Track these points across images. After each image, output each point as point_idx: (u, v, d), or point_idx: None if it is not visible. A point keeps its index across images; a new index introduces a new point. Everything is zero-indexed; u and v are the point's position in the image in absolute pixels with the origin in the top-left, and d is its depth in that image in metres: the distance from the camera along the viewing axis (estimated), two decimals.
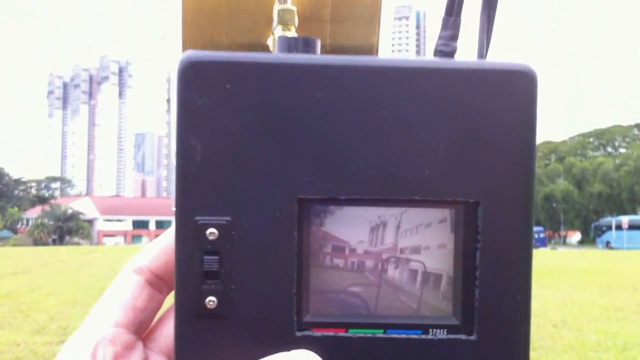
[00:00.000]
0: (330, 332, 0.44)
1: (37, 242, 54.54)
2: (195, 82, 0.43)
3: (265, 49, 0.64)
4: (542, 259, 22.65)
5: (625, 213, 51.46)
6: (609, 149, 69.86)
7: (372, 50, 0.66)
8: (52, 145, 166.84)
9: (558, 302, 9.87)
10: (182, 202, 0.43)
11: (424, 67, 0.44)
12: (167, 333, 0.50)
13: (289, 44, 0.48)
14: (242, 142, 0.43)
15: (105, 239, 71.49)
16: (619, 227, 43.39)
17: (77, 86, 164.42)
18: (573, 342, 6.50)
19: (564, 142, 72.28)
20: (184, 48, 0.66)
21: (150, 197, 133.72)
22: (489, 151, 0.44)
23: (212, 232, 0.42)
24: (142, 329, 0.50)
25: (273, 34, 0.60)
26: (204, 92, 0.43)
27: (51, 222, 59.77)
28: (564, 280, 13.37)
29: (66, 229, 59.50)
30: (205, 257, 0.42)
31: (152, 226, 76.45)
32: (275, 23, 0.58)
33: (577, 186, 59.58)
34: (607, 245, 44.12)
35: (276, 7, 0.58)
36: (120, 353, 0.47)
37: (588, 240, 56.63)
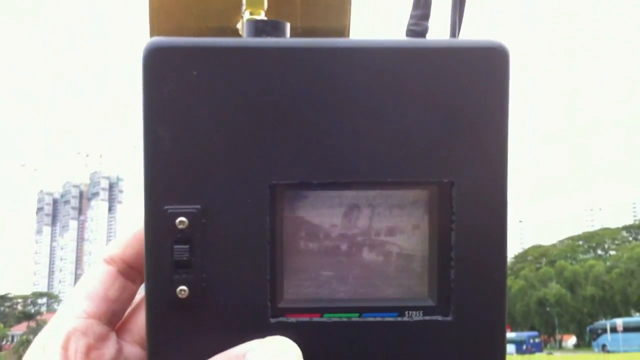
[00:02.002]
0: (305, 318, 0.43)
1: None
2: (161, 69, 0.42)
3: (235, 33, 0.63)
4: None
5: (619, 315, 50.76)
6: (599, 252, 69.92)
7: (343, 31, 0.66)
8: (40, 260, 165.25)
9: None
10: (151, 191, 0.42)
11: (394, 47, 0.43)
12: (141, 323, 0.48)
13: (257, 28, 0.47)
14: (211, 129, 0.42)
15: None
16: (614, 329, 42.81)
17: (67, 202, 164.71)
18: None
19: (554, 245, 72.33)
20: (152, 34, 0.65)
21: None
22: (462, 130, 0.43)
23: (181, 221, 0.41)
24: (115, 320, 0.48)
25: (242, 17, 0.58)
26: (170, 79, 0.42)
27: None
28: None
29: None
30: (176, 247, 0.41)
31: None
32: (244, 7, 0.57)
33: (569, 289, 59.11)
34: (604, 348, 43.44)
35: None
36: (93, 344, 0.45)
37: (584, 343, 55.61)
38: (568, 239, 72.65)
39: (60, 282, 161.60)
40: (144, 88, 0.42)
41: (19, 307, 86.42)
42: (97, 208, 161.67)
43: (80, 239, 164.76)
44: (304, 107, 0.42)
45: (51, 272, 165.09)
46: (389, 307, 0.44)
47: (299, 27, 0.63)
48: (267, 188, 0.42)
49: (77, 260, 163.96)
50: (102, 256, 0.48)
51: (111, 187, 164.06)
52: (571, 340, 62.43)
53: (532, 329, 56.84)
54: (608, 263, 62.03)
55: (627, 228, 71.88)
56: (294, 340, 0.42)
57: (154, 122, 0.42)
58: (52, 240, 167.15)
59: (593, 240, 70.22)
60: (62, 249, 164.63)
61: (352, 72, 0.43)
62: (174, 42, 0.42)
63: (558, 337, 61.75)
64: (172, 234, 0.41)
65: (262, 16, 0.57)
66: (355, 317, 0.43)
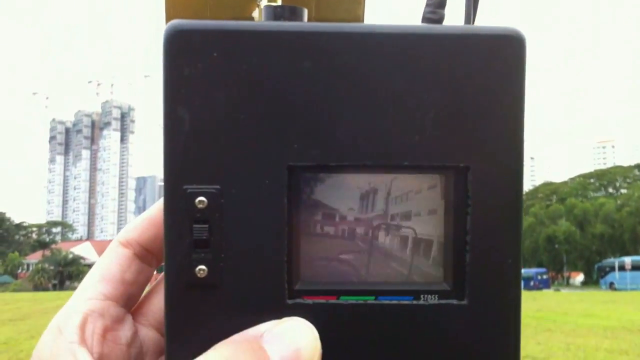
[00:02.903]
0: (321, 300, 0.43)
1: (37, 287, 54.20)
2: (182, 51, 0.42)
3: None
4: (545, 300, 22.48)
5: (627, 254, 51.08)
6: (610, 190, 69.84)
7: (358, 22, 0.67)
8: (53, 189, 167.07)
9: (562, 345, 9.78)
10: (171, 172, 0.42)
11: (411, 33, 0.44)
12: (156, 307, 0.49)
13: (275, 13, 0.47)
14: (230, 111, 0.42)
15: None
16: (622, 268, 43.16)
17: (79, 131, 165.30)
18: None
19: (565, 183, 72.30)
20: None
21: None
22: (478, 116, 0.43)
23: (201, 201, 0.42)
24: (131, 303, 0.49)
25: (259, 5, 0.60)
26: (190, 61, 0.42)
27: (52, 267, 59.49)
28: (567, 323, 13.25)
29: (67, 274, 59.13)
30: (195, 226, 0.42)
31: None
32: None
33: (579, 227, 59.38)
34: (611, 286, 43.82)
35: None
36: (109, 326, 0.46)
37: (591, 281, 56.11)
38: (579, 176, 72.52)
39: (74, 211, 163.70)
40: (165, 69, 0.42)
41: (34, 236, 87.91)
42: (109, 138, 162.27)
43: (93, 169, 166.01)
44: (321, 90, 0.43)
45: (65, 201, 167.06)
46: (405, 290, 0.44)
47: (313, 17, 0.63)
48: (285, 169, 0.43)
49: (90, 190, 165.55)
50: (118, 239, 0.49)
51: (123, 116, 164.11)
52: (579, 278, 63.03)
53: (540, 265, 57.40)
54: (619, 201, 62.07)
55: (639, 166, 71.49)
56: (310, 322, 0.42)
57: (174, 103, 0.42)
58: (65, 170, 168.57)
59: (605, 178, 70.13)
60: (75, 178, 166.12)
61: (369, 57, 0.43)
62: (194, 25, 0.43)
63: (566, 274, 62.34)
64: (191, 213, 0.42)
65: (279, 3, 0.58)
66: (370, 300, 0.44)
